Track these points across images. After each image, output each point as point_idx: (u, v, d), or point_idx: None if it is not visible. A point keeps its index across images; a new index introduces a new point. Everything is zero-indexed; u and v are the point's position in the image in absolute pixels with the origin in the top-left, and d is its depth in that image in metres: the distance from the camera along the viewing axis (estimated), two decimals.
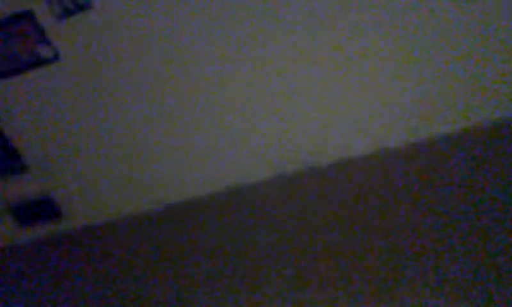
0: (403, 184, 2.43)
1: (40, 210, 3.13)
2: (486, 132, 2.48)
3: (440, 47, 2.33)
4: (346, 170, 2.66)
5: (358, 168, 2.64)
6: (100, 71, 2.55)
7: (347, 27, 2.31)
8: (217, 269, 2.50)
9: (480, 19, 2.24)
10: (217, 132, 2.71)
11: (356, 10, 2.26)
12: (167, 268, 2.65)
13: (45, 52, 2.42)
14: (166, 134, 2.75)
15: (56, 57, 2.49)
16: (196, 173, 2.90)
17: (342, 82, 2.47)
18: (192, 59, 2.47)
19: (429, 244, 2.15)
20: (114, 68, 2.53)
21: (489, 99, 2.48)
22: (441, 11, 2.23)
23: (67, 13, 2.36)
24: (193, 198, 3.00)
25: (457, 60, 2.36)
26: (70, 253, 3.05)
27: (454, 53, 2.35)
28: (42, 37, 2.44)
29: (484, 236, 2.08)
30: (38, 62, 2.53)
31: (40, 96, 2.65)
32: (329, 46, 2.37)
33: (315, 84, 2.49)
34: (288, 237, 2.47)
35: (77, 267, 2.93)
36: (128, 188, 3.01)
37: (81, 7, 2.34)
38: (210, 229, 2.74)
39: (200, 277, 2.51)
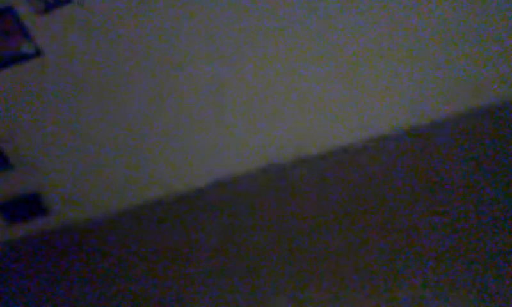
0: (403, 183, 2.43)
1: (26, 206, 3.11)
2: (487, 131, 2.48)
3: (440, 45, 2.33)
4: (344, 166, 2.66)
5: (356, 164, 2.64)
6: (87, 66, 2.52)
7: (347, 26, 2.31)
8: (217, 269, 2.50)
9: (480, 19, 2.24)
10: (212, 125, 2.70)
11: (356, 10, 2.26)
12: (167, 267, 2.64)
13: (27, 47, 2.39)
14: (159, 128, 2.74)
15: (39, 52, 2.46)
16: (190, 166, 2.89)
17: (338, 75, 2.47)
18: (191, 58, 2.47)
19: (429, 244, 2.15)
20: (102, 64, 2.51)
21: (489, 98, 2.48)
22: (440, 11, 2.24)
23: (48, 7, 2.31)
24: (189, 192, 2.99)
25: (457, 59, 2.37)
26: (68, 252, 3.05)
27: (454, 52, 2.35)
28: (24, 32, 2.40)
29: (484, 236, 2.08)
30: (21, 58, 2.49)
31: (25, 92, 2.62)
32: (328, 44, 2.37)
33: (311, 76, 2.49)
34: (288, 236, 2.47)
35: (75, 266, 2.93)
36: (123, 184, 3.00)
37: (62, 1, 2.29)
38: (209, 228, 2.74)
39: (200, 276, 2.51)
